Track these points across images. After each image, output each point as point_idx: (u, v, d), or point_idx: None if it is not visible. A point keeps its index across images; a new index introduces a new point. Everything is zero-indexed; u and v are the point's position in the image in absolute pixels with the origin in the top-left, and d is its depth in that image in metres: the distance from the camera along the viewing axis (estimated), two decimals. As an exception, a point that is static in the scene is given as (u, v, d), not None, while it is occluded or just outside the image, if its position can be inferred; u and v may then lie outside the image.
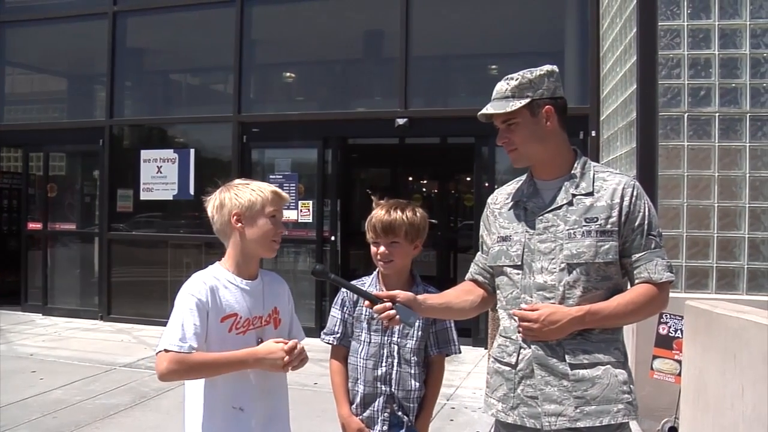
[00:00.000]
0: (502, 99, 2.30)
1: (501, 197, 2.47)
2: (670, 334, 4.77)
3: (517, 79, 2.29)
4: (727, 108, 5.20)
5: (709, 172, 5.22)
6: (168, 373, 2.16)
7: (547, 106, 2.28)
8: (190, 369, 2.18)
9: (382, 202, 2.77)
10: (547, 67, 2.33)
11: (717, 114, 5.21)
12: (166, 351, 2.15)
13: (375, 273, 2.83)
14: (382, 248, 2.69)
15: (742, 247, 5.15)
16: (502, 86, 2.31)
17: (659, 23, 5.29)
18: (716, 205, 5.20)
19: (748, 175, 5.16)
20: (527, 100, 2.27)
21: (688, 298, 4.56)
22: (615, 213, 2.23)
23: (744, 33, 5.18)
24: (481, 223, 2.53)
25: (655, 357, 4.82)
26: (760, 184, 5.16)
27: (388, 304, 2.26)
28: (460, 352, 2.85)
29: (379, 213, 2.70)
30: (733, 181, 5.19)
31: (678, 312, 4.49)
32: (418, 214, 2.73)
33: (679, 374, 4.58)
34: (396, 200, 2.77)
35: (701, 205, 5.23)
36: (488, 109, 2.32)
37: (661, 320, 4.78)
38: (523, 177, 2.45)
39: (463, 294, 2.50)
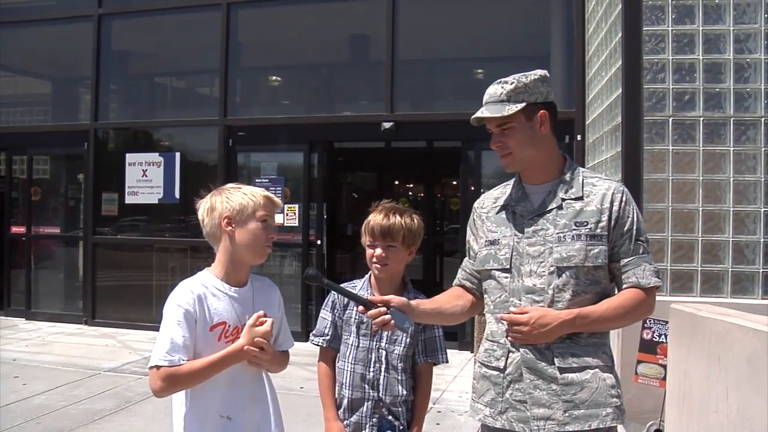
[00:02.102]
0: (497, 102, 2.27)
1: (488, 201, 2.46)
2: (654, 339, 4.79)
3: (512, 83, 2.27)
4: (712, 112, 5.24)
5: (693, 176, 5.26)
6: (162, 390, 2.16)
7: (542, 111, 2.28)
8: (183, 380, 2.16)
9: (378, 207, 2.75)
10: (540, 72, 2.32)
11: (701, 118, 5.25)
12: (158, 368, 2.14)
13: (367, 277, 2.80)
14: (378, 251, 2.67)
15: (726, 251, 5.19)
16: (496, 90, 2.29)
17: (644, 28, 5.33)
18: (701, 208, 5.23)
19: (732, 178, 5.20)
20: (523, 105, 2.25)
21: (673, 301, 4.58)
22: (605, 217, 2.24)
23: (728, 38, 5.23)
24: (468, 228, 2.52)
25: (639, 362, 4.84)
26: (744, 188, 5.20)
27: (383, 309, 2.21)
28: (447, 362, 2.83)
29: (377, 217, 2.69)
30: (718, 184, 5.23)
31: (663, 315, 4.50)
32: (415, 220, 2.73)
33: (664, 378, 4.60)
34: (393, 205, 2.76)
35: (686, 209, 5.26)
36: (483, 112, 2.29)
37: (645, 325, 4.79)
38: (510, 181, 2.44)
39: (453, 299, 2.48)
